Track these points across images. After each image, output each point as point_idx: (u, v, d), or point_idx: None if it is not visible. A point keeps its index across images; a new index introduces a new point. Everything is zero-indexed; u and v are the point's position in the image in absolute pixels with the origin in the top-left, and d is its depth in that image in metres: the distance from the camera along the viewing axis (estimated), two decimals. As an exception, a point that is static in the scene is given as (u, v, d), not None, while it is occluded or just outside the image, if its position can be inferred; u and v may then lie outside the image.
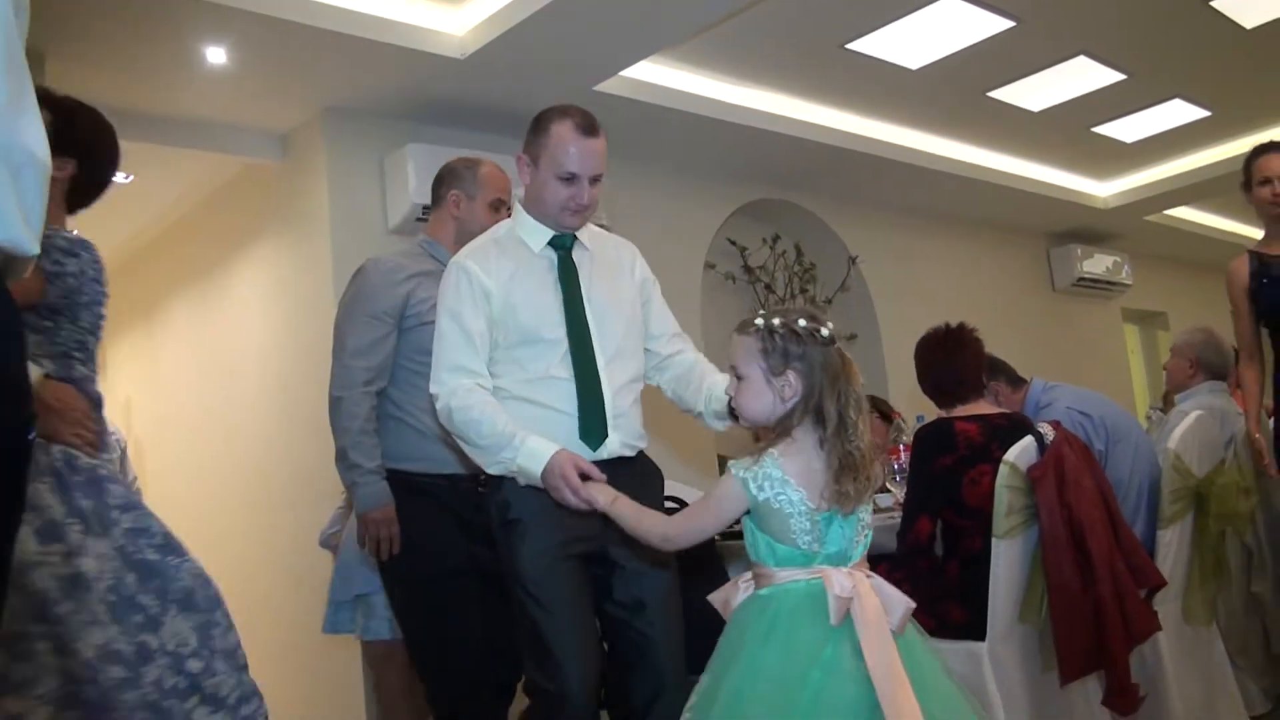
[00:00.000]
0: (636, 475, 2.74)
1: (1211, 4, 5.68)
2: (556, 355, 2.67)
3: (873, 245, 7.73)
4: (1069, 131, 7.35)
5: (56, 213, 2.52)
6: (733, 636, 2.16)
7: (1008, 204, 8.27)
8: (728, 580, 2.29)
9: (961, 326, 3.57)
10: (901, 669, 2.00)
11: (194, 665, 2.29)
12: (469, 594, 3.21)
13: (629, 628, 2.68)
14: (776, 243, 7.30)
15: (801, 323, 2.16)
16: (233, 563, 6.05)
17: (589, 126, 2.69)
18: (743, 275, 7.11)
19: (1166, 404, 5.63)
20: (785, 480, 2.11)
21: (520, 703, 2.94)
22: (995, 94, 6.56)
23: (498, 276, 2.69)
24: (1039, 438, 3.23)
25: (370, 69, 4.88)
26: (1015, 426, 3.36)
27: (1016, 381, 4.21)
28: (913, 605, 2.12)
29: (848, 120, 6.68)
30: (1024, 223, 9.02)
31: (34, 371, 2.20)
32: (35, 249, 1.06)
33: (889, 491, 4.11)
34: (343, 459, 3.19)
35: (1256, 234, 4.11)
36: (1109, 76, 6.47)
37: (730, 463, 2.21)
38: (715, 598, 2.26)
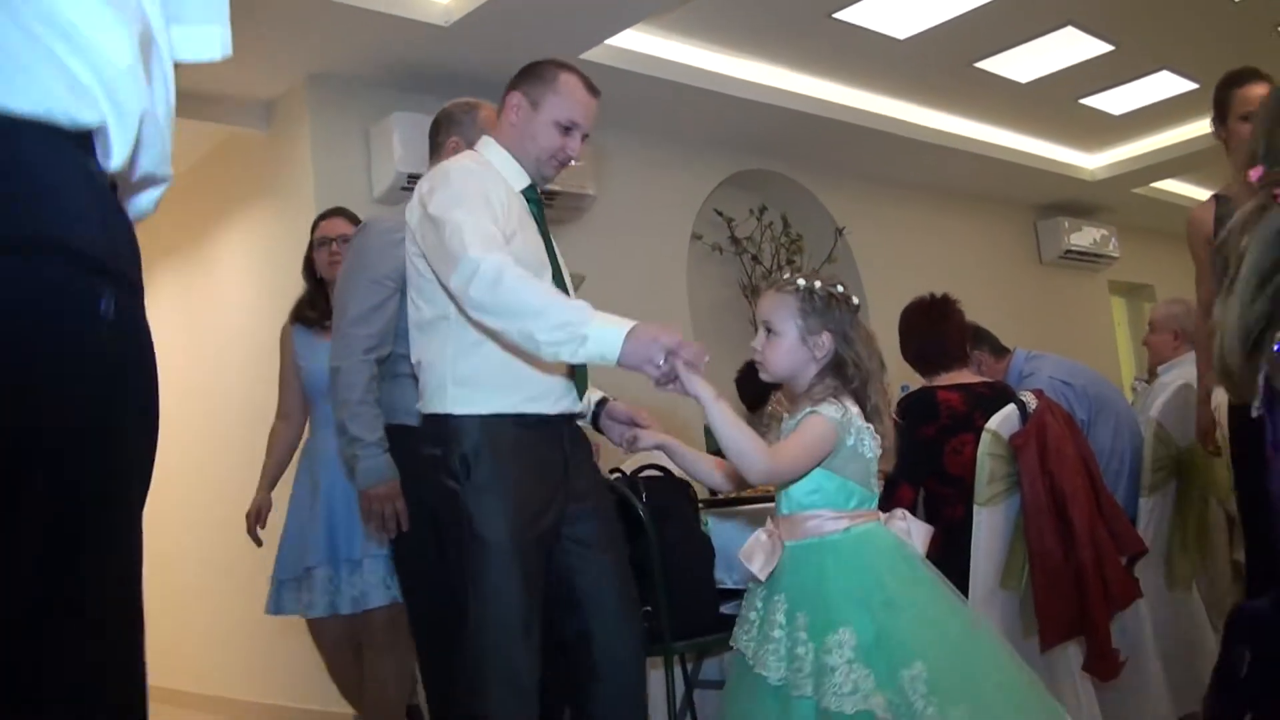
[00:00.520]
0: (580, 433, 2.70)
1: (1199, -26, 5.68)
2: None
3: (860, 216, 7.72)
4: (1056, 103, 7.34)
5: None
6: (809, 587, 2.17)
7: (995, 176, 8.27)
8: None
9: (945, 297, 3.58)
10: None
11: None
12: None
13: (583, 574, 2.58)
14: (763, 214, 7.28)
15: (839, 287, 2.29)
16: (222, 531, 6.05)
17: (592, 86, 2.67)
18: (729, 246, 7.10)
19: (1151, 377, 5.64)
20: (866, 428, 2.24)
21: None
22: (983, 65, 6.55)
23: (497, 190, 2.54)
24: (1021, 406, 3.24)
25: (355, 36, 4.85)
26: (998, 395, 3.36)
27: (1000, 351, 4.22)
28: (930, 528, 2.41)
29: (835, 90, 6.66)
30: (1011, 195, 9.01)
31: None
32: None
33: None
34: (342, 432, 2.98)
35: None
36: (1097, 47, 6.46)
37: (811, 409, 2.23)
38: (746, 553, 2.26)
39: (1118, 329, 10.72)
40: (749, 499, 3.49)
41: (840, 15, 5.62)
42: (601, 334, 2.15)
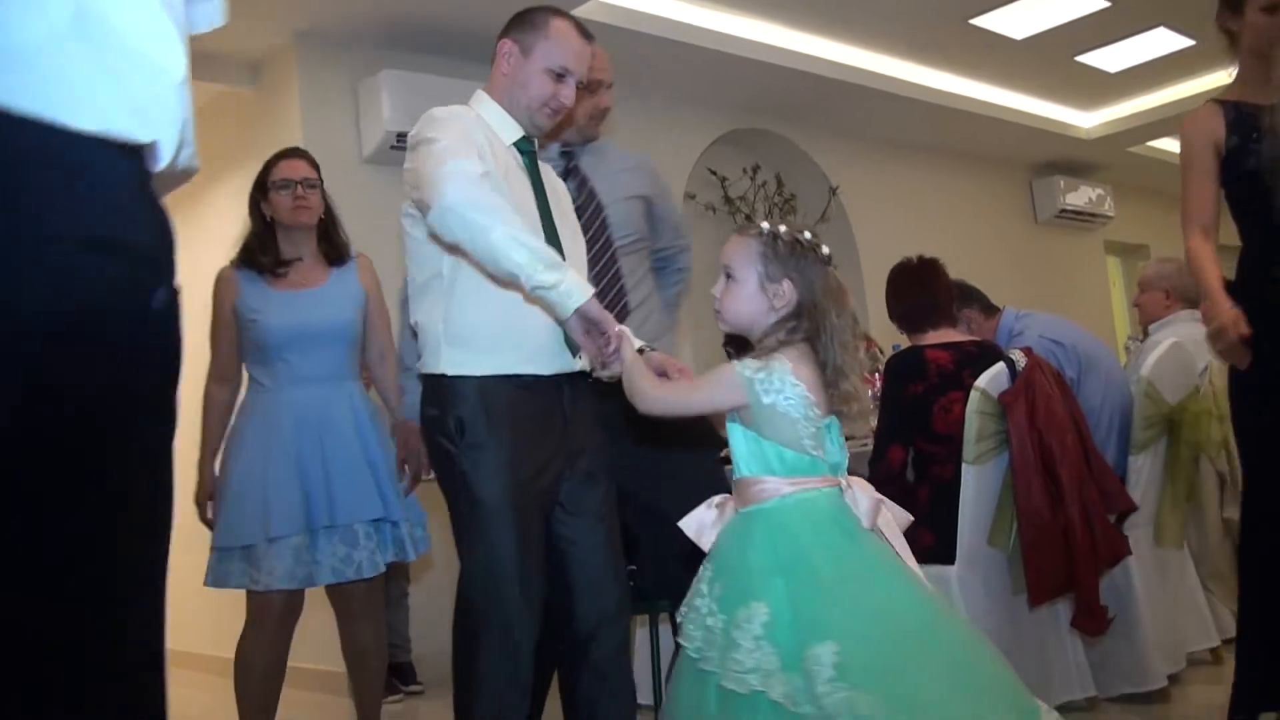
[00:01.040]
0: (590, 391, 2.64)
1: (1196, -71, 5.62)
2: None
3: (853, 175, 7.69)
4: (1052, 60, 7.30)
5: None
6: (733, 558, 2.08)
7: (990, 134, 8.23)
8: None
9: (932, 259, 3.59)
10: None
11: None
12: None
13: (574, 544, 2.56)
14: (757, 173, 7.26)
15: (806, 235, 2.17)
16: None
17: (585, 31, 2.62)
18: (723, 205, 7.08)
19: (1144, 336, 5.63)
20: (796, 384, 2.07)
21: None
22: (978, 21, 6.50)
23: (489, 145, 2.49)
24: (1010, 364, 3.23)
25: (342, -7, 4.81)
26: (986, 354, 3.36)
27: (990, 310, 4.20)
28: (909, 520, 2.16)
29: (829, 48, 6.61)
30: (1006, 154, 8.97)
31: None
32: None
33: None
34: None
35: None
36: (1093, 3, 6.41)
37: (734, 361, 2.16)
38: (688, 524, 2.18)
39: (1113, 289, 10.71)
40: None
41: (833, -29, 5.57)
42: (572, 288, 2.23)
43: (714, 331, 2.46)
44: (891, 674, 1.87)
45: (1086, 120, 8.75)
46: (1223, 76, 3.19)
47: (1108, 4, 6.41)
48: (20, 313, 0.95)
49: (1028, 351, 3.32)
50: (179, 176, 1.18)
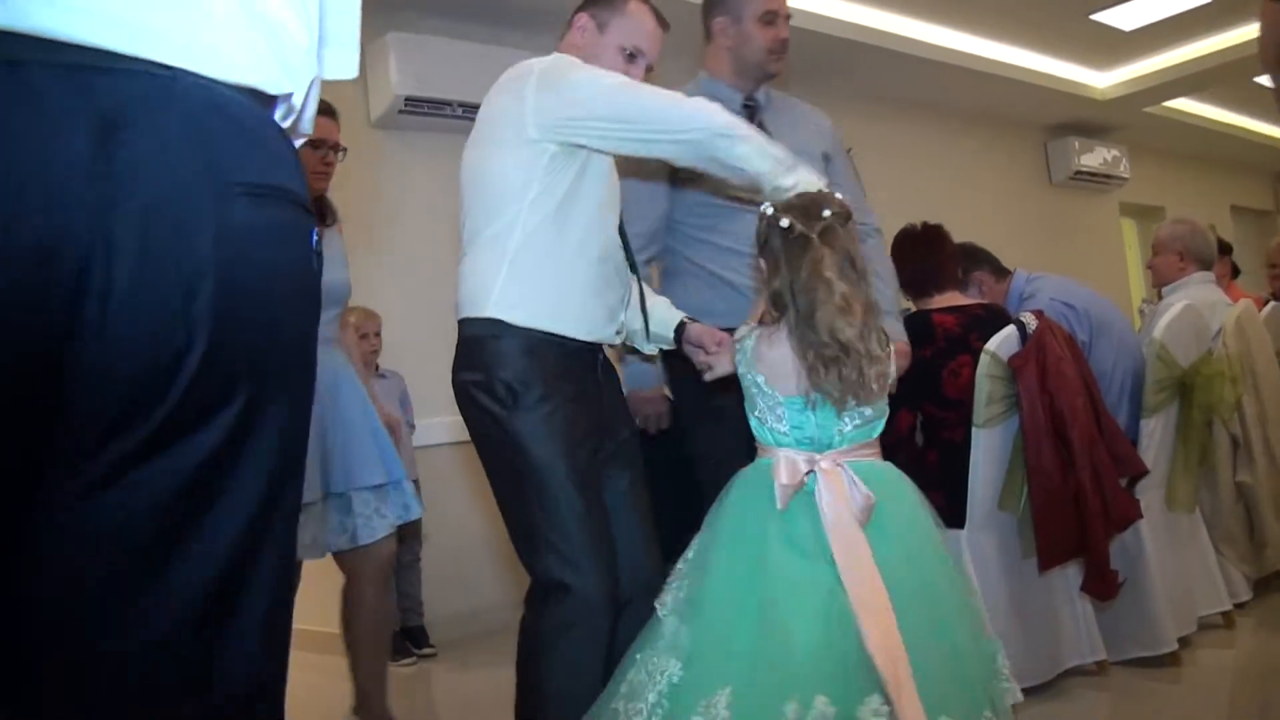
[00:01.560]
0: (610, 366, 2.65)
1: (1213, -116, 5.54)
2: (614, 223, 2.57)
3: (866, 137, 7.61)
4: (1066, 18, 7.21)
5: None
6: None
7: (1004, 94, 8.15)
8: None
9: (937, 225, 3.58)
10: (869, 561, 2.00)
11: None
12: None
13: (614, 516, 2.48)
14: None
15: (768, 209, 2.20)
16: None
17: (661, 18, 2.63)
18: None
19: (1158, 299, 5.60)
20: (752, 362, 2.18)
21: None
22: (991, -20, 6.44)
23: None
24: (1021, 327, 3.21)
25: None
26: (994, 317, 3.34)
27: (1001, 272, 4.17)
28: (871, 501, 2.08)
29: (841, 7, 6.55)
30: (1020, 114, 8.90)
31: None
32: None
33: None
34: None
35: (1258, 126, 3.28)
36: (1107, -39, 6.34)
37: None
38: None
39: (1128, 251, 10.64)
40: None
41: (845, -70, 5.51)
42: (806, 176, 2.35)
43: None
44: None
45: (1101, 80, 8.66)
46: (1237, 34, 3.07)
47: (1123, -38, 6.34)
48: (205, 256, 1.02)
49: (1039, 314, 3.30)
50: (298, 136, 1.27)
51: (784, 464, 2.09)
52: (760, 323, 2.24)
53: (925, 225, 3.59)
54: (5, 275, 0.92)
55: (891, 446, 3.36)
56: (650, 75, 2.63)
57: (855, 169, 3.36)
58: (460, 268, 2.49)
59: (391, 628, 3.41)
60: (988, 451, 3.19)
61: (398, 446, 3.28)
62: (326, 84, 1.30)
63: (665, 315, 2.69)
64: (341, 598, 3.41)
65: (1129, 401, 3.76)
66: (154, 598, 1.01)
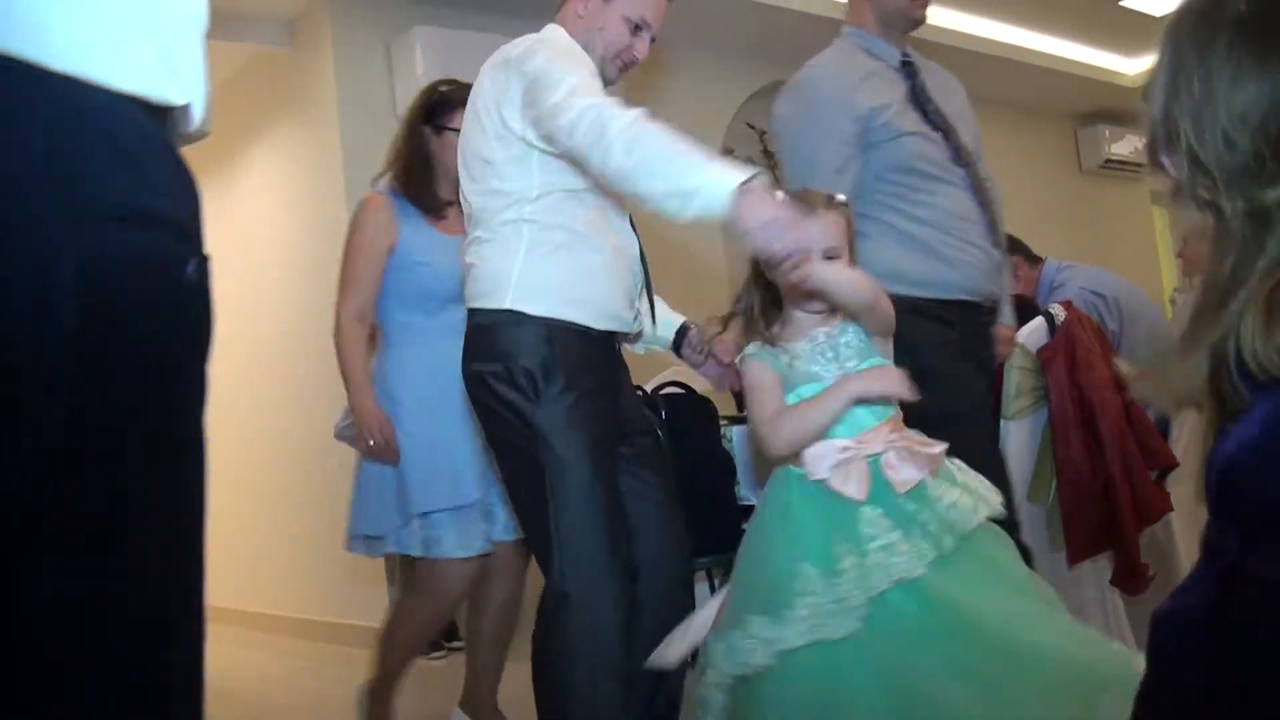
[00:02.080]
0: (621, 357, 2.59)
1: None
2: (613, 202, 2.44)
3: (894, 127, 7.59)
4: (1096, 4, 7.15)
5: None
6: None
7: (1032, 83, 8.08)
8: None
9: None
10: None
11: None
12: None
13: (637, 519, 2.46)
14: (795, 126, 7.17)
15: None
16: (252, 450, 6.12)
17: None
18: (761, 160, 6.99)
19: (1191, 288, 5.55)
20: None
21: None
22: (1019, -33, 6.39)
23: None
24: (1049, 318, 3.19)
25: (374, -51, 4.78)
26: (1023, 308, 3.31)
27: (1034, 258, 4.15)
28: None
29: (868, -2, 6.51)
30: (1050, 103, 8.83)
31: None
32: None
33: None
34: None
35: None
36: (1138, -53, 6.27)
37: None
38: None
39: (1159, 240, 10.55)
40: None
41: (871, -82, 5.46)
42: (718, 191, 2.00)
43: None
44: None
45: (1132, 67, 8.58)
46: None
47: (1154, -53, 6.27)
48: (54, 291, 0.92)
49: (1067, 305, 3.28)
50: (194, 138, 1.18)
51: (836, 453, 2.01)
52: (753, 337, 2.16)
53: None
54: None
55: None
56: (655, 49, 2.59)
57: None
58: (466, 257, 2.45)
59: (514, 627, 3.28)
60: (1017, 443, 3.17)
61: None
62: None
63: (667, 316, 2.67)
64: (471, 593, 3.25)
65: (1160, 392, 3.72)
66: None
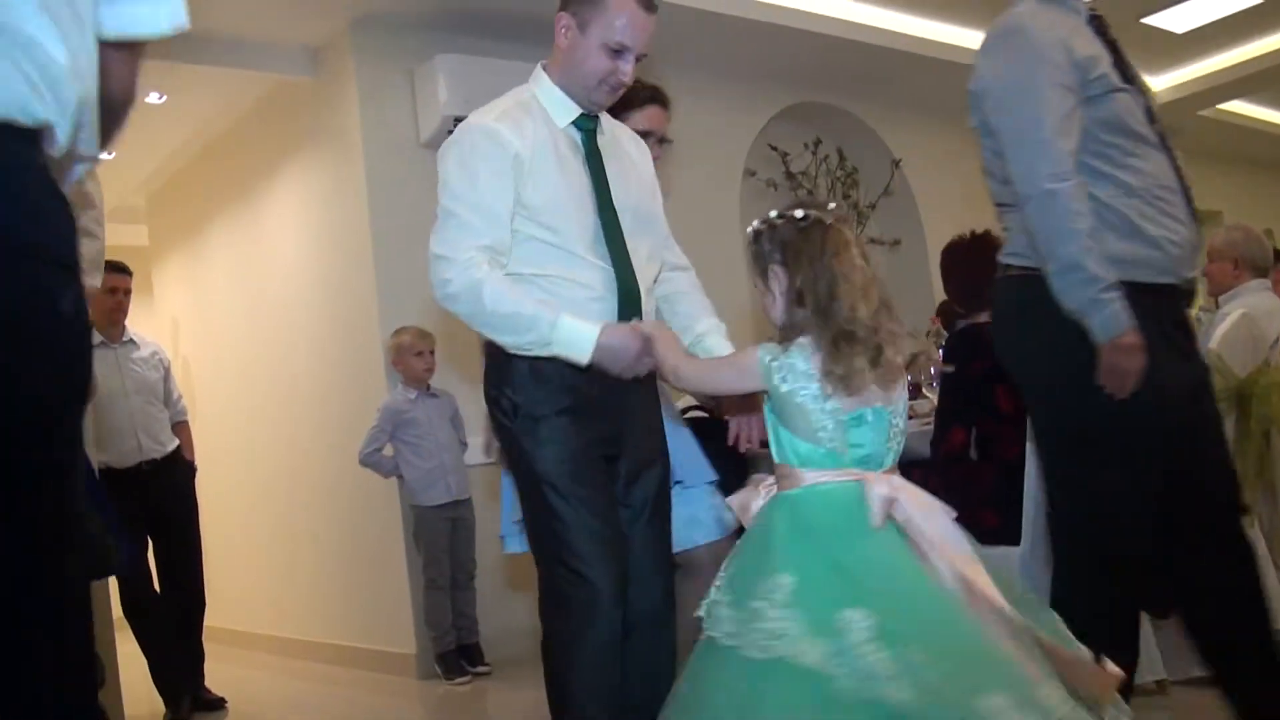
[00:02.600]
0: (648, 384, 2.61)
1: (1266, -115, 5.45)
2: (586, 240, 2.46)
3: (917, 148, 7.58)
4: (1117, 23, 6.94)
5: None
6: (756, 538, 2.04)
7: (1055, 101, 8.05)
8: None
9: (986, 233, 3.54)
10: (972, 553, 1.93)
11: None
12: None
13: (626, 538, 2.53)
14: (818, 147, 7.18)
15: (772, 213, 2.12)
16: (278, 477, 6.15)
17: (648, 1, 2.47)
18: (784, 181, 7.01)
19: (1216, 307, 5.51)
20: (810, 374, 2.01)
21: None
22: (1040, -13, 6.36)
23: (531, 141, 2.43)
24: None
25: (396, -21, 4.82)
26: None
27: None
28: (952, 513, 2.01)
29: (890, 18, 6.52)
30: (1073, 120, 8.79)
31: None
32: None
33: (925, 397, 4.07)
34: (1073, 270, 2.36)
35: None
36: (1157, -35, 6.25)
37: (759, 345, 2.12)
38: (734, 501, 2.17)
39: (1185, 255, 10.48)
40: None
41: (891, -59, 5.48)
42: (565, 352, 2.35)
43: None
44: (931, 636, 1.80)
45: (1155, 84, 8.55)
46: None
47: (1174, -35, 6.25)
48: None
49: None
50: (74, 162, 1.18)
51: (875, 481, 1.98)
52: (781, 341, 2.10)
53: (974, 234, 3.55)
54: None
55: (945, 464, 3.35)
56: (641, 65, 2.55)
57: None
58: None
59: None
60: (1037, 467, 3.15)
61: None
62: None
63: (715, 345, 2.65)
64: None
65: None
66: None
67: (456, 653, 4.95)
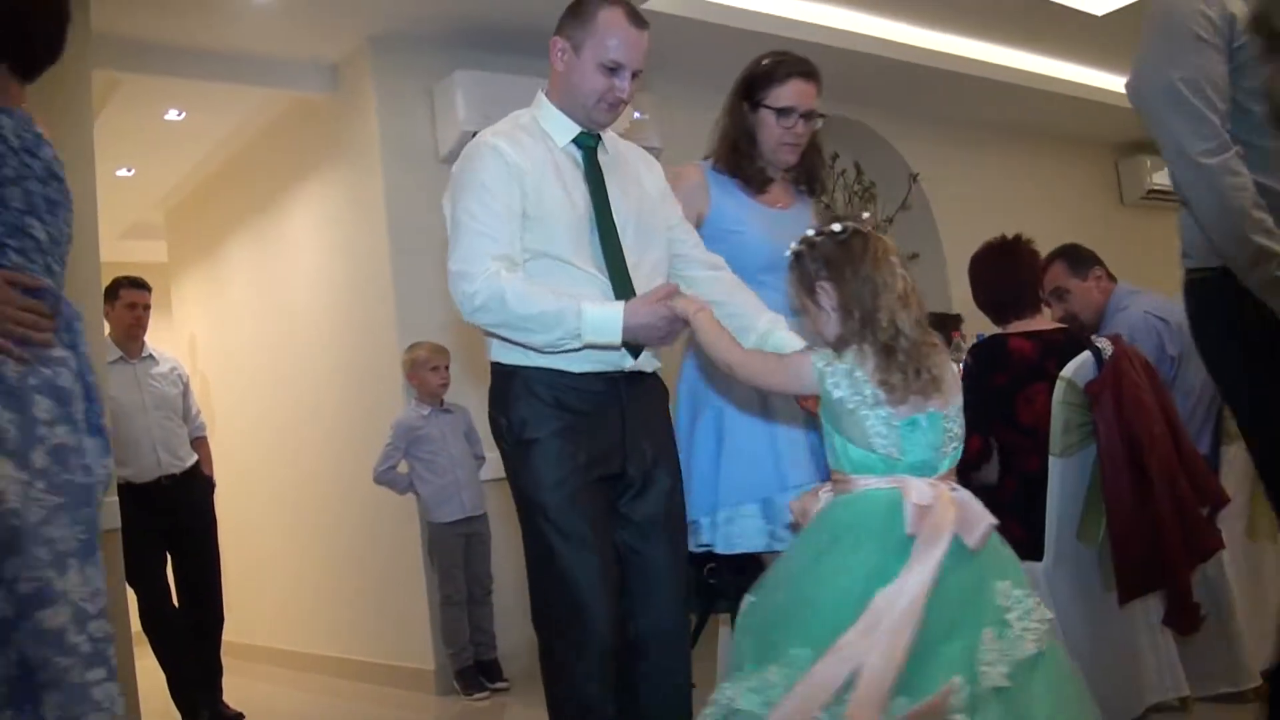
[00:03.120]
0: (652, 392, 2.65)
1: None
2: (584, 252, 2.50)
3: (934, 161, 7.57)
4: (1134, 35, 7.07)
5: None
6: (805, 540, 2.09)
7: (1073, 114, 8.04)
8: None
9: (1017, 238, 3.50)
10: (920, 604, 1.89)
11: (97, 628, 1.97)
12: None
13: (636, 553, 2.56)
14: (835, 161, 7.16)
15: (810, 231, 2.16)
16: (297, 492, 6.15)
17: (637, 17, 2.53)
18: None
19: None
20: (865, 380, 2.04)
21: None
22: (1057, -1, 6.37)
23: (531, 157, 2.49)
24: (1097, 353, 3.16)
25: (415, -6, 4.84)
26: (1072, 342, 3.28)
27: (1111, 276, 4.20)
28: (994, 522, 2.02)
29: (905, 31, 6.51)
30: (1090, 133, 8.78)
31: None
32: None
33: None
34: (1244, 246, 2.26)
35: None
36: (1176, -22, 6.23)
37: (813, 350, 2.17)
38: (794, 506, 2.20)
39: (1204, 269, 10.45)
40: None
41: (908, -45, 5.48)
42: (595, 339, 2.38)
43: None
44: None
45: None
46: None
47: (1193, -22, 6.22)
48: None
49: (1115, 340, 3.24)
50: None
51: (916, 487, 1.99)
52: (836, 348, 2.12)
53: (1003, 239, 3.52)
54: None
55: (960, 471, 3.33)
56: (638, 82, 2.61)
57: None
58: None
59: None
60: (1065, 481, 3.13)
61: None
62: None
63: (781, 340, 2.62)
64: None
65: (1214, 424, 3.68)
66: None
67: (475, 668, 4.93)
